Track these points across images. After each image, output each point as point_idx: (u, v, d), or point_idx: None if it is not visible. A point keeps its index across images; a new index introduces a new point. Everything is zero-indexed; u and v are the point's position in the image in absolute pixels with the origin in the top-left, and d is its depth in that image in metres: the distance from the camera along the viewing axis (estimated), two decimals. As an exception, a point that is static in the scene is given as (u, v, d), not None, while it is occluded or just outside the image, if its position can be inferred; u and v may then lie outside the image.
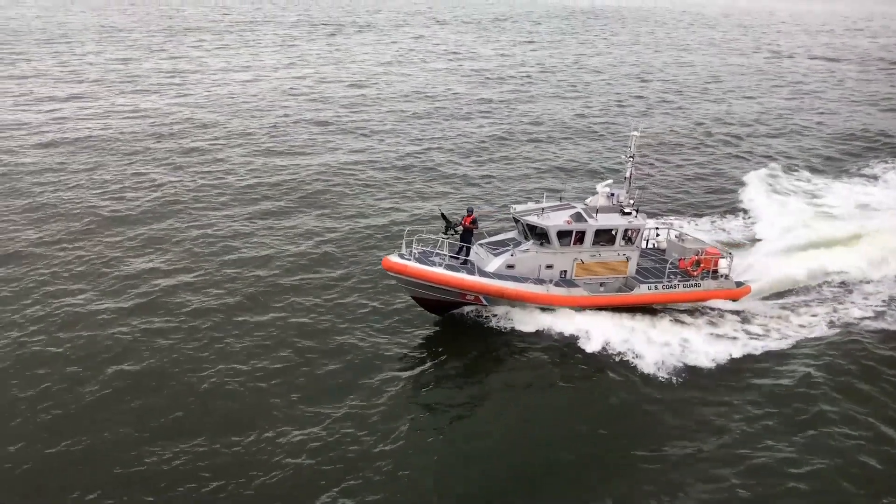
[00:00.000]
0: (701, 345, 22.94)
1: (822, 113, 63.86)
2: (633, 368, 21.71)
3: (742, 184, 40.95)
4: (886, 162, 45.89)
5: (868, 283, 27.82)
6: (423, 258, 23.54)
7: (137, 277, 27.09)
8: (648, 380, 21.22)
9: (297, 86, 65.62)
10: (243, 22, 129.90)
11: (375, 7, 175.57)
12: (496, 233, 27.45)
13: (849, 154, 48.93)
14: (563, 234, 24.03)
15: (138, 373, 20.94)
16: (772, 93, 75.12)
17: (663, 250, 27.73)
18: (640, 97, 69.24)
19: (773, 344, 23.31)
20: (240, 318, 24.21)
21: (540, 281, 24.04)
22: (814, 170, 44.15)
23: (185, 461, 17.44)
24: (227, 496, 16.49)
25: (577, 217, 24.35)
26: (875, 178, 42.79)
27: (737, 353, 22.71)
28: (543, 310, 23.89)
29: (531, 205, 25.85)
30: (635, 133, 26.79)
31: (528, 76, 78.67)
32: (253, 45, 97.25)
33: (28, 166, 39.53)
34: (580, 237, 24.23)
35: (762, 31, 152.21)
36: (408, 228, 26.98)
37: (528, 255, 24.16)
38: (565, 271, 24.51)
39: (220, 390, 20.35)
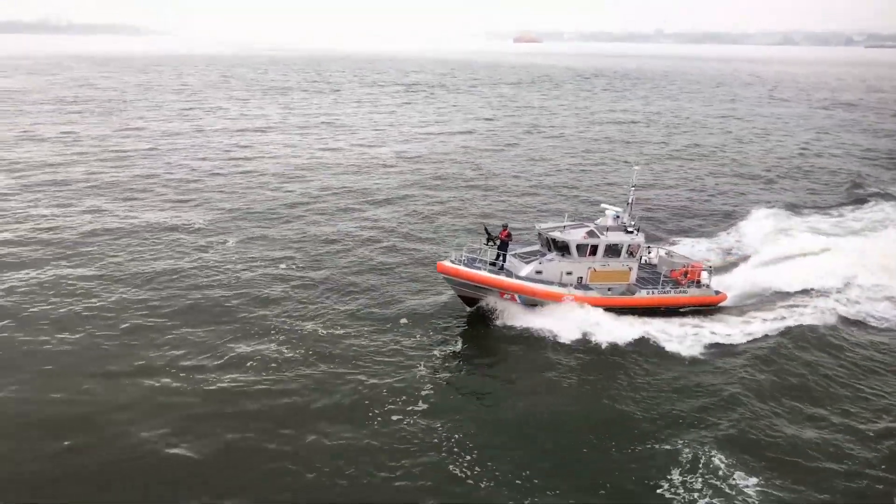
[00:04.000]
0: (686, 339, 27.15)
1: (814, 155, 72.80)
2: (635, 359, 25.64)
3: (734, 209, 47.80)
4: (868, 201, 51.38)
5: (827, 291, 31.81)
6: (469, 263, 28.48)
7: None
8: (650, 367, 25.08)
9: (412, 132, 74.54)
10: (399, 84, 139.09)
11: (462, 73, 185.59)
12: (525, 245, 31.79)
13: (831, 191, 55.73)
14: (581, 247, 28.64)
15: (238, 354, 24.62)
16: (766, 135, 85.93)
17: (654, 265, 32.08)
18: (644, 140, 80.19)
19: (740, 338, 27.57)
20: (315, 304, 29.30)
21: (563, 284, 28.52)
22: (799, 202, 51.07)
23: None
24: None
25: (591, 234, 28.96)
26: (846, 212, 48.46)
27: (714, 348, 26.88)
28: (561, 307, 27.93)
29: (551, 223, 31.04)
30: (636, 167, 32.36)
31: (558, 125, 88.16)
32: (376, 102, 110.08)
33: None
34: (594, 250, 28.77)
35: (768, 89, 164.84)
36: (457, 240, 32.34)
37: (553, 263, 28.65)
38: (581, 277, 28.87)
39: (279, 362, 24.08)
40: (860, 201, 51.17)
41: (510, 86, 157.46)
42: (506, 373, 24.71)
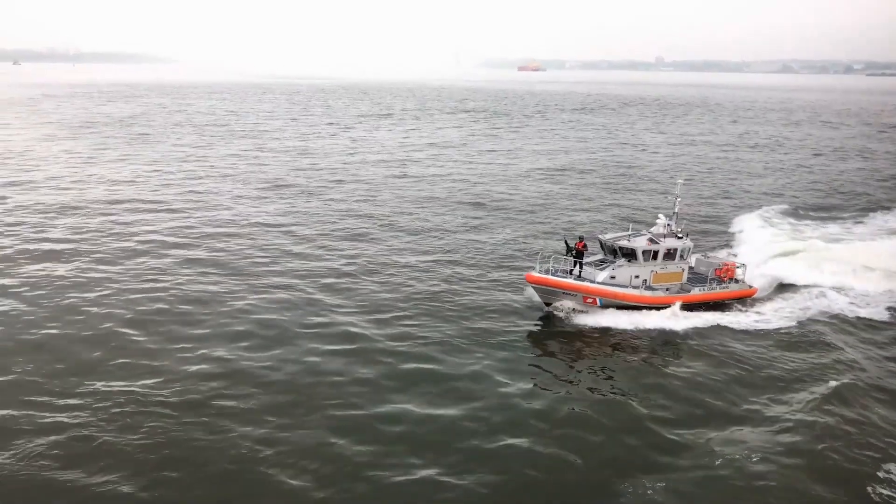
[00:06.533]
0: (735, 327, 31.51)
1: (815, 170, 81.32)
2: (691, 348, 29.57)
3: (739, 217, 53.34)
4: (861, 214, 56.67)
5: (829, 286, 36.31)
6: (553, 273, 32.08)
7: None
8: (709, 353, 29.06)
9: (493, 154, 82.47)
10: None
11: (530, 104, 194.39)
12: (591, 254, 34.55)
13: (827, 203, 61.72)
14: (646, 253, 32.32)
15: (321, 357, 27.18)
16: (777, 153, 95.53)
17: (692, 266, 35.29)
18: (686, 156, 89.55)
19: (774, 323, 32.18)
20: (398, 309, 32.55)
21: (634, 287, 32.15)
22: (796, 212, 56.84)
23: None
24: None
25: (652, 241, 32.84)
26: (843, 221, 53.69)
27: (756, 331, 31.33)
28: (634, 307, 31.74)
29: (611, 233, 34.73)
30: (680, 181, 37.44)
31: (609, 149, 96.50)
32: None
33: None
34: (655, 255, 32.48)
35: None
36: (540, 252, 35.56)
37: (623, 269, 32.19)
38: (646, 279, 32.48)
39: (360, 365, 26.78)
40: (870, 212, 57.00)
41: (571, 112, 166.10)
42: (599, 365, 27.80)
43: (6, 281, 35.01)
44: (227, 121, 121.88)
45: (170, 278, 36.03)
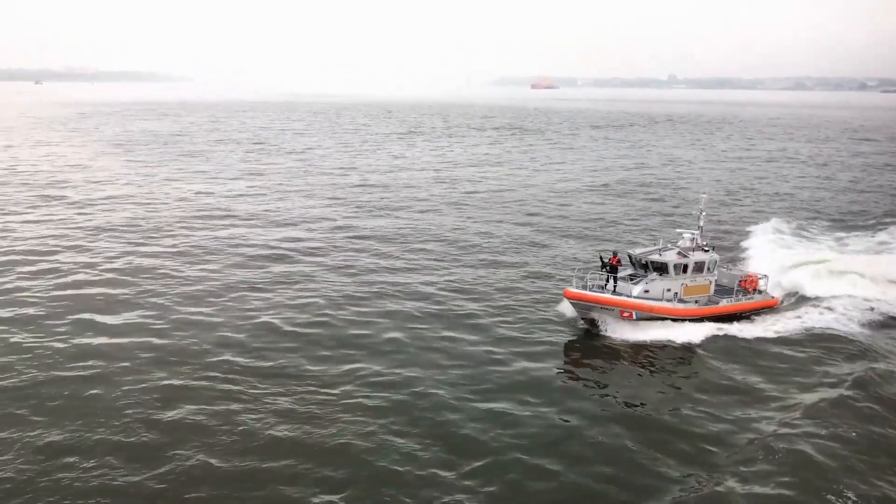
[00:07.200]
0: (759, 335, 32.49)
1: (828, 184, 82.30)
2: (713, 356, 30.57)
3: (752, 228, 54.68)
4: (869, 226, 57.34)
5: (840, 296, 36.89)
6: (590, 288, 32.53)
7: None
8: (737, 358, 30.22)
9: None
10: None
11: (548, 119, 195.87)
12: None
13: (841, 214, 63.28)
14: (677, 266, 33.12)
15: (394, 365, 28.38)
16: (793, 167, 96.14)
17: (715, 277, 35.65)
18: (708, 171, 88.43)
19: (798, 332, 33.04)
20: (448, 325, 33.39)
21: (667, 300, 32.87)
22: (808, 222, 58.08)
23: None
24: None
25: (681, 254, 33.69)
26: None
27: (782, 340, 32.20)
28: (670, 320, 32.43)
29: (639, 249, 35.34)
30: (704, 195, 39.04)
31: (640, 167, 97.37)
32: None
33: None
34: (685, 268, 33.31)
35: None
36: (577, 268, 36.29)
37: (656, 282, 32.93)
38: (677, 292, 33.25)
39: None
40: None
41: (603, 129, 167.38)
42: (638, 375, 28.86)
43: (153, 286, 37.62)
44: (264, 138, 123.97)
45: (295, 284, 38.71)
